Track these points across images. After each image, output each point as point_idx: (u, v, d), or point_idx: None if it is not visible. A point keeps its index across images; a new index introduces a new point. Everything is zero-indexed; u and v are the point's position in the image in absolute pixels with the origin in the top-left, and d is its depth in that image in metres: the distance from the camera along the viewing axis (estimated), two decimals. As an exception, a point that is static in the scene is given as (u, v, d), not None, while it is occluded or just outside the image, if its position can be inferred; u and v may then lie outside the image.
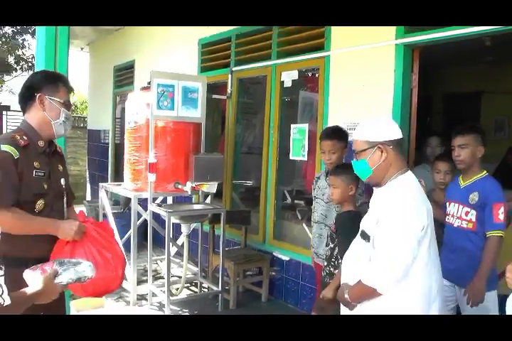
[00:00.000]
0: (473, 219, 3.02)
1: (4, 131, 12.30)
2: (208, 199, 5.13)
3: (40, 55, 3.37)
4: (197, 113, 4.89)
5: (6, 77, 12.11)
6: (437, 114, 8.14)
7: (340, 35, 4.38)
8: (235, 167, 5.84)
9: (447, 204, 3.21)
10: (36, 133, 2.38)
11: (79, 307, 4.01)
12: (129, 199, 5.48)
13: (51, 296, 1.74)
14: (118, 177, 8.19)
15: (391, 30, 3.90)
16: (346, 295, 2.18)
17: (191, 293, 5.33)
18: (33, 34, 11.23)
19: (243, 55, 5.60)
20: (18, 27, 11.48)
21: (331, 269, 3.05)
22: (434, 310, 2.11)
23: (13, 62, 11.54)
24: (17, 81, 12.59)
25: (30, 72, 11.35)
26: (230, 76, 5.67)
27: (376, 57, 4.07)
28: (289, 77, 4.96)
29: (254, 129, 6.16)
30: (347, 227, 2.99)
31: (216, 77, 5.96)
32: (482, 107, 7.66)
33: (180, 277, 5.36)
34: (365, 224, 2.25)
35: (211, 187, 4.77)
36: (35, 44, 3.84)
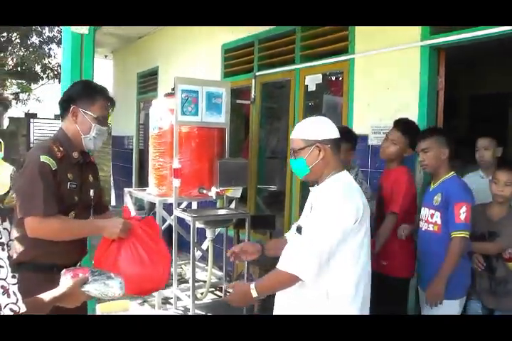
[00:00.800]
0: (438, 222, 2.97)
1: (32, 138, 12.53)
2: (233, 204, 5.13)
3: (66, 64, 3.43)
4: (221, 118, 4.91)
5: (32, 86, 12.32)
6: (462, 117, 8.01)
7: (364, 37, 4.35)
8: (259, 172, 5.84)
9: (421, 209, 3.17)
10: (71, 144, 2.38)
11: (104, 310, 4.03)
12: (153, 205, 5.51)
13: (74, 302, 1.73)
14: (142, 182, 8.26)
15: (416, 31, 3.85)
16: (254, 291, 2.02)
17: (216, 297, 5.33)
18: (58, 43, 11.43)
19: (266, 59, 5.61)
20: (45, 36, 11.71)
21: None
22: (359, 308, 2.07)
23: (39, 71, 11.74)
24: (43, 89, 12.83)
25: (56, 81, 11.58)
26: (253, 81, 5.68)
27: (401, 59, 4.03)
28: (313, 81, 4.95)
29: (278, 134, 6.16)
30: None
31: (240, 82, 5.98)
32: (510, 110, 7.53)
33: (204, 281, 5.36)
34: (300, 220, 2.22)
35: (236, 192, 4.78)
36: (60, 53, 3.90)
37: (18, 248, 2.28)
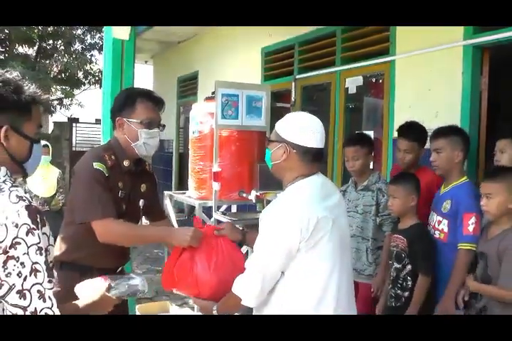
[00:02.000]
0: (445, 229, 2.82)
1: (74, 142, 12.83)
2: (272, 208, 5.11)
3: (107, 69, 3.49)
4: (261, 122, 4.90)
5: (75, 91, 12.60)
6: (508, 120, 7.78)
7: (405, 38, 4.29)
8: (298, 175, 5.80)
9: (430, 213, 3.01)
10: (123, 152, 2.38)
11: (144, 311, 4.07)
12: (193, 207, 5.55)
13: (106, 308, 1.76)
14: (182, 185, 8.35)
15: (459, 30, 3.75)
16: (215, 312, 2.02)
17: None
18: (100, 50, 11.67)
19: (307, 62, 5.59)
20: (87, 43, 11.99)
21: (398, 291, 2.88)
22: None
23: (82, 76, 12.00)
24: (85, 94, 13.11)
25: (97, 86, 11.82)
26: (293, 84, 5.67)
27: (443, 59, 3.95)
28: (353, 84, 4.91)
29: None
30: (425, 241, 2.85)
31: (280, 85, 5.98)
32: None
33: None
34: None
35: (276, 195, 4.76)
36: (102, 59, 3.98)
37: (61, 247, 2.34)
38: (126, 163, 2.37)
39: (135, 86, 3.47)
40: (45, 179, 5.31)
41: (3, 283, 1.31)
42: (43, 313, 1.33)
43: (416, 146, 3.29)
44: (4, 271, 1.30)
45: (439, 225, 2.87)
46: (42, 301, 1.34)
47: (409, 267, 2.84)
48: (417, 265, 2.81)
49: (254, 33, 6.21)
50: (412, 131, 3.36)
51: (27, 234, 1.33)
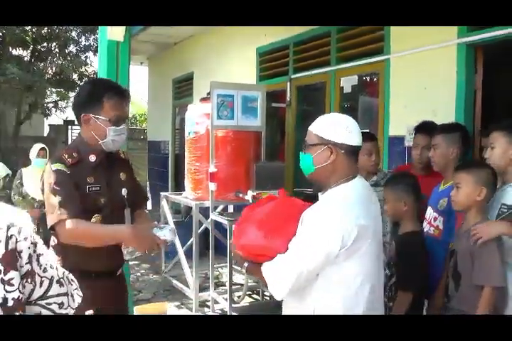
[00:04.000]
0: (440, 226, 2.80)
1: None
2: (269, 207, 5.12)
3: (102, 71, 3.48)
4: (257, 122, 4.92)
5: (70, 94, 12.58)
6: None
7: (399, 37, 4.30)
8: (295, 175, 5.82)
9: (428, 208, 2.98)
10: (89, 148, 2.32)
11: (142, 312, 4.07)
12: (190, 208, 5.56)
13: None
14: (178, 186, 8.35)
15: (452, 29, 3.77)
16: (246, 265, 2.05)
17: (253, 300, 5.33)
18: (95, 52, 11.64)
19: (301, 62, 5.60)
20: (82, 45, 11.94)
21: (384, 299, 2.71)
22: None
23: (76, 79, 11.96)
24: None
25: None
26: (288, 84, 5.69)
27: (437, 58, 3.96)
28: (348, 83, 4.93)
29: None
30: (413, 251, 2.69)
31: (275, 85, 5.99)
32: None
33: (242, 284, 5.38)
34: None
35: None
36: (97, 61, 3.96)
37: (57, 257, 2.29)
38: (92, 158, 2.31)
39: (130, 87, 3.45)
40: (41, 181, 5.31)
41: (43, 279, 1.29)
42: (75, 294, 1.40)
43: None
44: (40, 267, 1.29)
45: (435, 221, 2.86)
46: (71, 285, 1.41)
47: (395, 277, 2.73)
48: (398, 278, 2.69)
49: (249, 34, 6.23)
50: (432, 128, 3.28)
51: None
